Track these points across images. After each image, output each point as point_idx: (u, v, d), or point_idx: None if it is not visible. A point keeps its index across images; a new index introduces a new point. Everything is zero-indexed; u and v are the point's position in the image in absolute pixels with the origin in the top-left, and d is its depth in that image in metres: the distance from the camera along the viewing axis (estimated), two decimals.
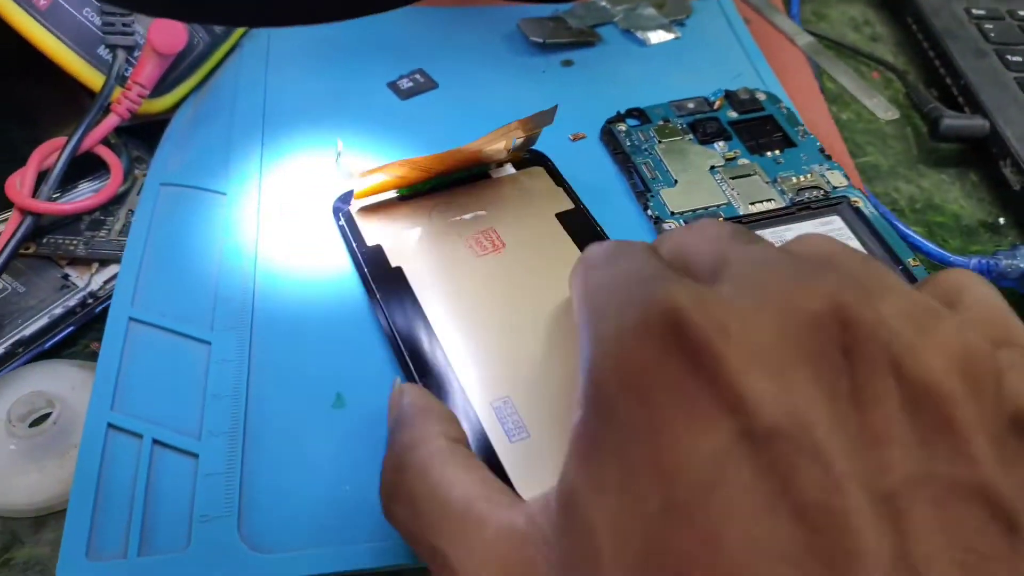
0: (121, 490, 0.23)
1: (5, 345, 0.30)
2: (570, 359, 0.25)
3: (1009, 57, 0.39)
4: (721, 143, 0.32)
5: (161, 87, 0.36)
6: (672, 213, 0.28)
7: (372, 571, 0.22)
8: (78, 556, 0.22)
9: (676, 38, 0.39)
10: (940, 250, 0.31)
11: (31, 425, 0.28)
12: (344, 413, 0.25)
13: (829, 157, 0.31)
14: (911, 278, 0.27)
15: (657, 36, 0.39)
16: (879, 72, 0.42)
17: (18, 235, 0.30)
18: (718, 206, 0.29)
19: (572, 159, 0.32)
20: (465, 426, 0.23)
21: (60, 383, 0.29)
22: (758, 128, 0.32)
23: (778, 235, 0.27)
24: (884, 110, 0.37)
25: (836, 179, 0.31)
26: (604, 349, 0.15)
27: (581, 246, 0.28)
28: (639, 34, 0.39)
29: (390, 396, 0.22)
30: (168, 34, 0.35)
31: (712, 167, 0.30)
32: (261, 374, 0.26)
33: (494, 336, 0.26)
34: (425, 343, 0.25)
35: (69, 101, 0.37)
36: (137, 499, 0.22)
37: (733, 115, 0.33)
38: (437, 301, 0.26)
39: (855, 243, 0.27)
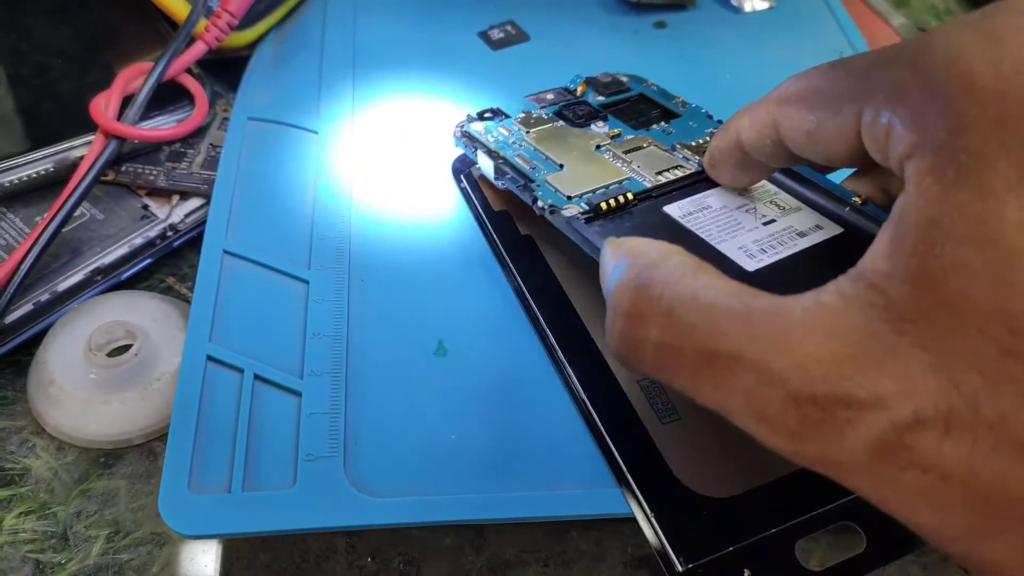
0: (223, 424, 0.22)
1: (84, 272, 0.29)
2: None
3: None
4: (599, 123, 0.28)
5: (245, 20, 0.35)
6: (569, 198, 0.24)
7: (481, 523, 0.21)
8: (180, 488, 0.21)
9: (771, 8, 0.38)
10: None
11: (109, 355, 0.27)
12: (446, 362, 0.24)
13: (720, 122, 0.28)
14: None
15: (752, 4, 0.38)
16: None
17: (102, 159, 0.29)
18: (620, 182, 0.24)
19: None
20: (612, 404, 0.22)
21: (140, 314, 0.28)
22: (633, 108, 0.29)
23: (698, 203, 0.23)
24: None
25: None
26: None
27: None
28: (734, 1, 0.38)
29: (604, 255, 0.20)
30: None
31: (598, 146, 0.27)
32: (361, 317, 0.25)
33: None
34: (564, 315, 0.24)
35: (146, 27, 0.36)
36: (240, 434, 0.22)
37: (600, 99, 0.29)
38: (571, 274, 0.26)
39: (788, 195, 0.23)
